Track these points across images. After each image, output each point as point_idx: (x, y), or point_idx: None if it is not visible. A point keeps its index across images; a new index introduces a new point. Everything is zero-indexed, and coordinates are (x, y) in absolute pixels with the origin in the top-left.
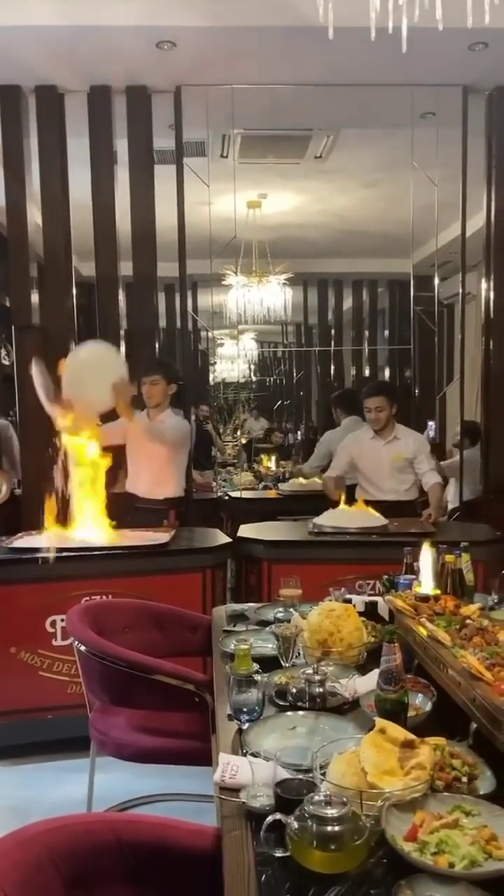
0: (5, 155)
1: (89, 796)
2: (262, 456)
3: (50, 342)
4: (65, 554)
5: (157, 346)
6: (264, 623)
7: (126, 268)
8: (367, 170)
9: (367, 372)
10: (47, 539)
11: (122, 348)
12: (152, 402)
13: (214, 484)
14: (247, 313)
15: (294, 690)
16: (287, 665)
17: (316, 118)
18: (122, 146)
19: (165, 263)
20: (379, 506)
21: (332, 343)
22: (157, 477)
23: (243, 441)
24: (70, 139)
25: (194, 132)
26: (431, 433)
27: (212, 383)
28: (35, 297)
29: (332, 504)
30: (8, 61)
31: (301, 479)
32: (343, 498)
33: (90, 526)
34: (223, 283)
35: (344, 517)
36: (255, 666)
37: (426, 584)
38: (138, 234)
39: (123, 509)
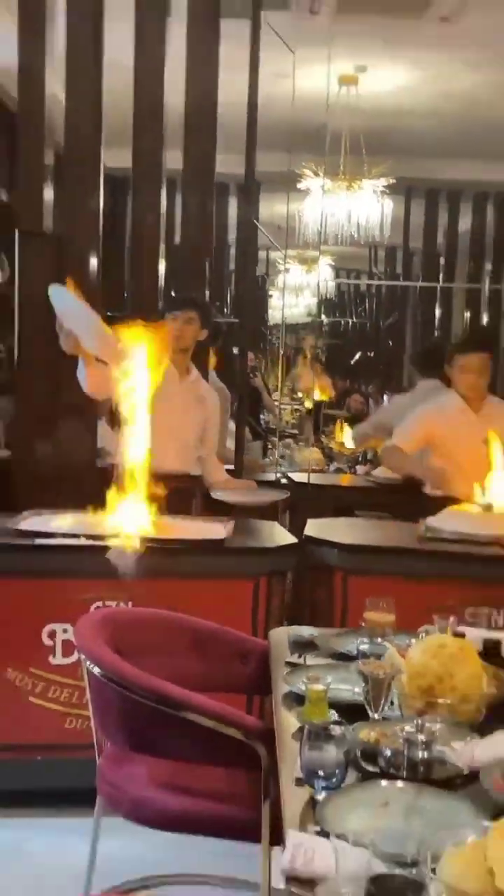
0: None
1: (90, 870)
2: (335, 427)
3: (65, 255)
4: (74, 542)
5: (207, 267)
6: (342, 657)
7: (173, 160)
8: None
9: (485, 319)
10: (62, 520)
11: (162, 268)
12: (182, 345)
13: (268, 461)
14: (327, 230)
15: (389, 753)
16: (376, 717)
17: None
18: None
19: (219, 155)
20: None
21: (441, 277)
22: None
23: (308, 405)
24: None
25: None
26: None
27: (269, 323)
28: (48, 194)
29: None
30: None
31: None
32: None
33: (128, 508)
34: (298, 186)
35: (471, 521)
36: (333, 715)
37: None
38: (194, 113)
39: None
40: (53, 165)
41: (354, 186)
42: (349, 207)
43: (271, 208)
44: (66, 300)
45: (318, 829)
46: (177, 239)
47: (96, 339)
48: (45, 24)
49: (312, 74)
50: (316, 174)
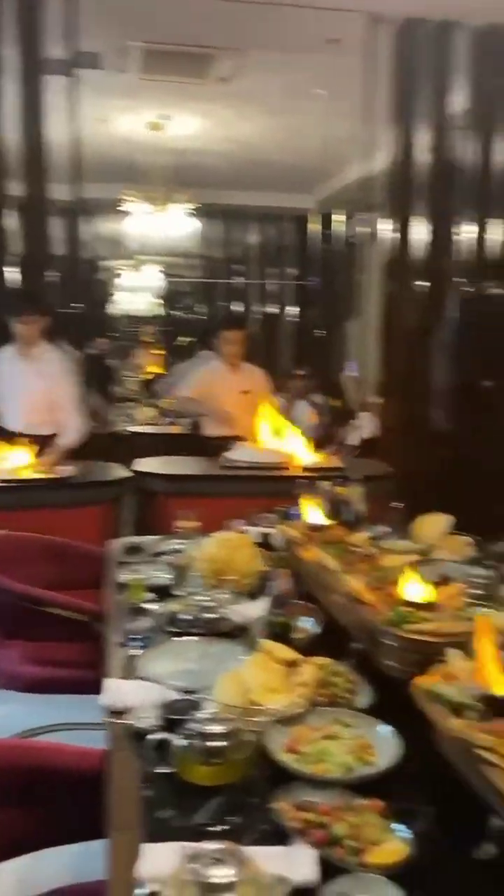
0: None
1: None
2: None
3: None
4: None
5: (50, 273)
6: (159, 554)
7: (17, 189)
8: (272, 96)
9: (268, 308)
10: None
11: (19, 276)
12: (27, 341)
13: (112, 419)
14: (149, 243)
15: (189, 617)
16: (182, 594)
17: (220, 36)
18: (10, 56)
19: (62, 186)
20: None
21: (240, 277)
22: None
23: (148, 377)
24: None
25: (90, 43)
26: (353, 372)
27: (113, 315)
28: None
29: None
30: None
31: None
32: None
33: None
34: (119, 208)
35: (257, 452)
36: (149, 595)
37: (318, 515)
38: (27, 151)
39: None
40: None
41: (165, 208)
42: (164, 225)
43: (107, 226)
44: None
45: (135, 676)
46: None
47: None
48: None
49: (128, 122)
50: (136, 200)
